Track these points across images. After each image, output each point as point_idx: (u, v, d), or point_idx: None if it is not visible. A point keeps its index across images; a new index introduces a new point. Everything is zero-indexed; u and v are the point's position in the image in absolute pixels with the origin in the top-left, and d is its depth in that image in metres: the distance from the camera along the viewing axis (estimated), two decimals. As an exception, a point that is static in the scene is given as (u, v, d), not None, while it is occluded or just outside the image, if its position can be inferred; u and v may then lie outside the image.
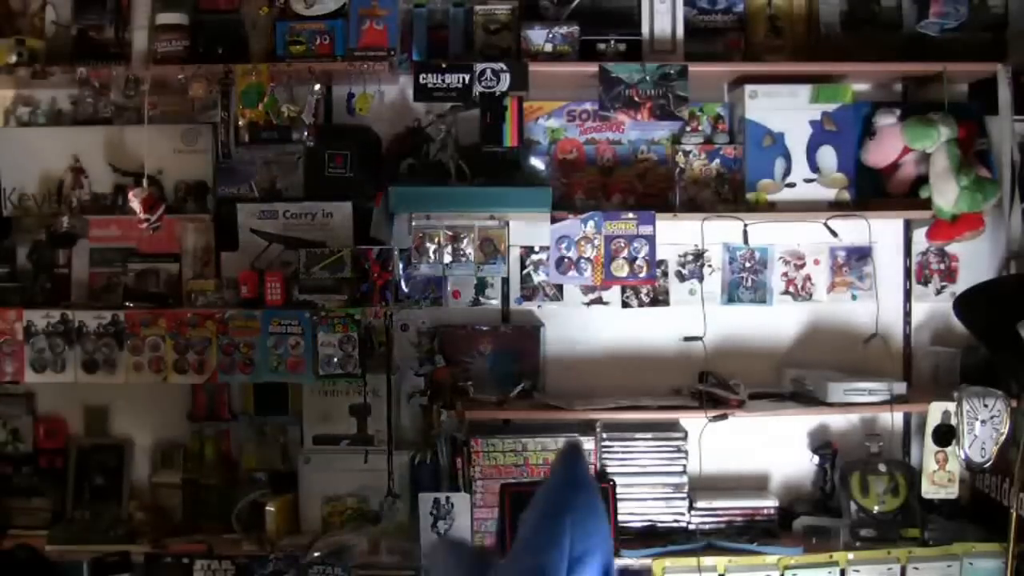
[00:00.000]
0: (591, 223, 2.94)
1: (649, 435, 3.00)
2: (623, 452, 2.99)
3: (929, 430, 2.89)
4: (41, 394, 3.12)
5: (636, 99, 2.92)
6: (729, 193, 3.07)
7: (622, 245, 2.94)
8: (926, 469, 2.92)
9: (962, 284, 3.14)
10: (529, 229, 3.08)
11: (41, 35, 3.05)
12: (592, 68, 2.92)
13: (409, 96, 2.92)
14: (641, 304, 3.15)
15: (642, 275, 2.95)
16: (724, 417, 2.88)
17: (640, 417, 2.96)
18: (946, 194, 2.90)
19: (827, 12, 3.07)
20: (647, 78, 2.92)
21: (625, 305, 3.15)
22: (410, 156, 2.97)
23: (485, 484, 2.91)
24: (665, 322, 3.16)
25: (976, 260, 3.14)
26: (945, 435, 2.88)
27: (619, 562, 2.85)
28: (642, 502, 2.99)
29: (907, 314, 3.22)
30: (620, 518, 2.92)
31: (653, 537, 2.94)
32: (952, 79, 2.99)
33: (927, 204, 2.95)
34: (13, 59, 2.93)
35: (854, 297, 3.17)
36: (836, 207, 3.02)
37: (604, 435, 2.99)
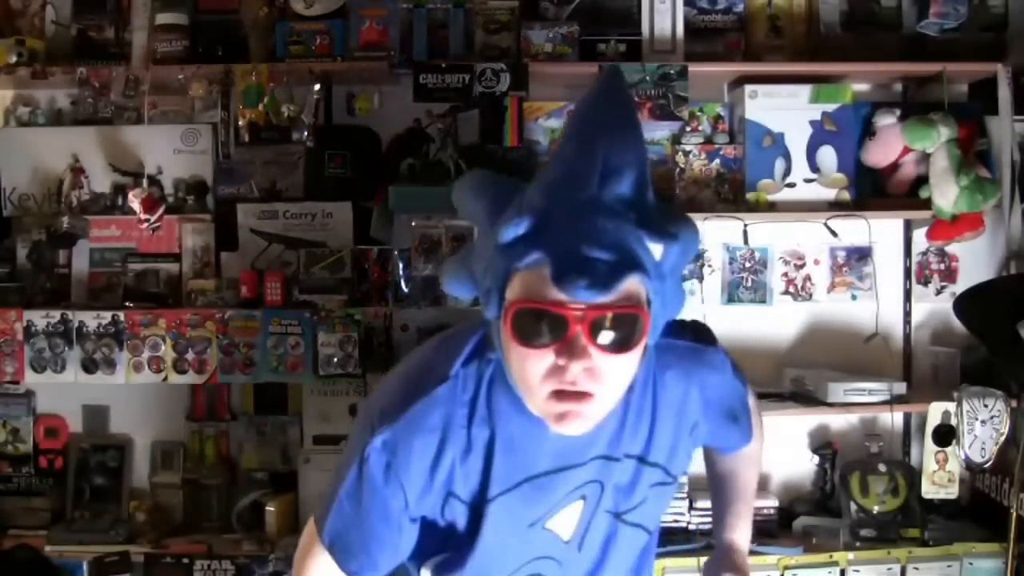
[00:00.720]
0: (591, 223, 2.93)
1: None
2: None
3: (929, 430, 2.90)
4: (41, 394, 3.11)
5: (636, 99, 2.92)
6: (729, 193, 3.06)
7: (622, 245, 2.93)
8: (926, 469, 2.92)
9: (962, 284, 3.13)
10: (529, 229, 3.07)
11: (41, 35, 3.05)
12: (592, 68, 2.91)
13: (409, 96, 2.92)
14: (641, 304, 3.14)
15: (642, 275, 2.94)
16: (724, 417, 2.87)
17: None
18: (946, 194, 2.89)
19: (827, 12, 3.07)
20: (647, 78, 2.92)
21: (625, 305, 3.13)
22: (410, 156, 2.97)
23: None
24: (665, 322, 3.15)
25: (976, 260, 3.14)
26: (945, 435, 2.88)
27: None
28: (642, 502, 2.98)
29: (907, 314, 3.21)
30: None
31: (653, 537, 2.94)
32: (952, 79, 2.99)
33: (927, 204, 2.95)
34: (13, 59, 2.92)
35: (854, 297, 3.17)
36: (836, 207, 3.02)
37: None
